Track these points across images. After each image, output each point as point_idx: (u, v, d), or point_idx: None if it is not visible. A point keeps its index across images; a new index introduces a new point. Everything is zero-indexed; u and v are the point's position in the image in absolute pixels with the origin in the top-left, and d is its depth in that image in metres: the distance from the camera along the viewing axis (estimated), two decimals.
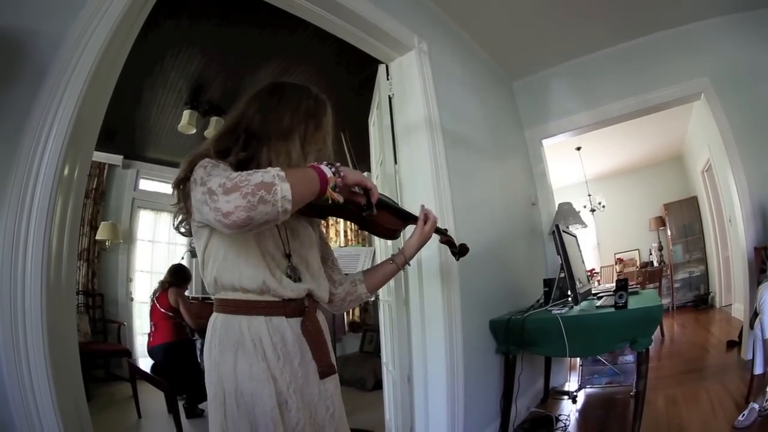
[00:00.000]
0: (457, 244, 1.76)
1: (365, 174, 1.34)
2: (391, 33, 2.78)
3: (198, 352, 4.52)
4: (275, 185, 0.95)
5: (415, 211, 1.60)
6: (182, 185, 1.18)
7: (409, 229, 1.59)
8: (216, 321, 1.20)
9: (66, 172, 1.47)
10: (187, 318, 4.14)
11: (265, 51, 4.06)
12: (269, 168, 0.99)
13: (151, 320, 4.24)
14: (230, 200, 0.92)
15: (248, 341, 1.14)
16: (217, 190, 0.94)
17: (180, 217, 1.27)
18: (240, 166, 1.16)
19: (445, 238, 1.74)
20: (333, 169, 1.12)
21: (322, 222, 1.72)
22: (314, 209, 1.29)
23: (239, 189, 0.93)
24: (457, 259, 1.80)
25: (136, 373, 4.11)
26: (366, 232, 1.58)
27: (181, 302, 4.14)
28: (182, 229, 1.29)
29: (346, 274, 1.55)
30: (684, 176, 8.95)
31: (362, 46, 2.84)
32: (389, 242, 2.77)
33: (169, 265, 4.52)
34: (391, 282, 2.70)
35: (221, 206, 0.93)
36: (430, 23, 3.32)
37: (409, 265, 1.62)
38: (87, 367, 3.53)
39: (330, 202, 1.12)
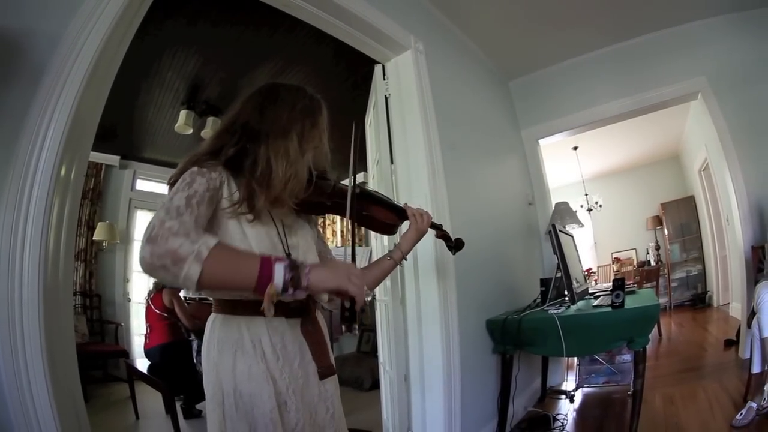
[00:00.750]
0: (453, 239, 1.78)
1: (361, 174, 1.33)
2: (387, 33, 2.79)
3: (195, 353, 4.51)
4: (184, 262, 0.91)
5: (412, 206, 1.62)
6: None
7: (406, 224, 1.62)
8: (215, 321, 1.20)
9: (63, 172, 1.46)
10: (183, 319, 4.12)
11: (261, 51, 4.05)
12: (204, 237, 0.96)
13: (146, 322, 4.22)
14: (144, 249, 0.92)
15: (247, 342, 1.14)
16: (147, 230, 0.95)
17: None
18: (235, 160, 1.17)
19: (441, 233, 1.76)
20: (290, 276, 0.98)
21: (319, 220, 1.72)
22: (311, 207, 1.30)
23: (154, 243, 0.92)
24: (454, 254, 1.82)
25: (134, 373, 4.10)
26: (363, 233, 1.57)
27: (176, 303, 4.12)
28: None
29: None
30: (681, 175, 8.96)
31: (358, 46, 2.84)
32: (385, 242, 2.78)
33: None
34: (388, 282, 2.71)
35: (140, 248, 0.94)
36: (426, 23, 3.32)
37: (406, 260, 1.63)
38: (85, 367, 3.54)
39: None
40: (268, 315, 0.98)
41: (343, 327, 1.22)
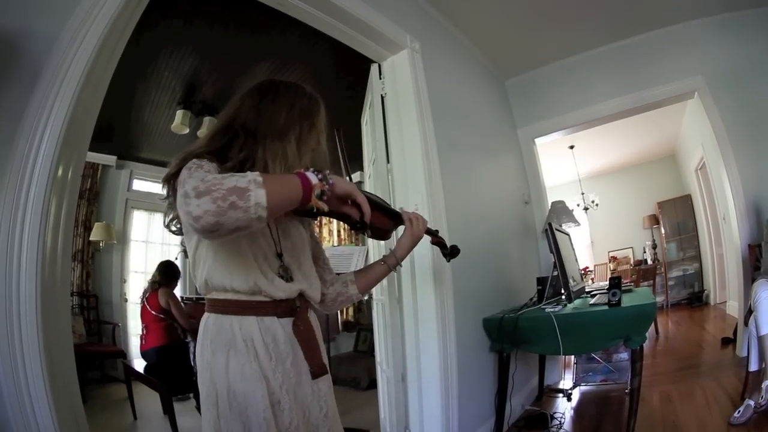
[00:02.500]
0: (449, 246, 1.76)
1: (357, 173, 1.34)
2: (383, 32, 2.78)
3: (192, 356, 4.48)
4: (249, 191, 0.91)
5: (408, 209, 1.60)
6: (172, 180, 1.16)
7: (401, 230, 1.59)
8: (207, 321, 1.19)
9: (60, 172, 1.46)
10: (179, 319, 4.09)
11: (256, 52, 4.06)
12: (248, 172, 0.96)
13: (142, 322, 4.19)
14: (200, 204, 0.88)
15: (240, 341, 1.13)
16: (190, 193, 0.90)
17: (171, 215, 1.25)
18: (239, 168, 1.16)
19: (436, 239, 1.74)
20: (320, 176, 1.08)
21: (314, 222, 1.72)
22: (305, 211, 1.29)
23: (210, 193, 0.89)
24: (448, 261, 1.79)
25: (131, 374, 4.09)
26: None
27: (172, 303, 4.09)
28: (173, 228, 1.27)
29: (338, 274, 1.55)
30: (677, 174, 8.98)
31: (354, 45, 2.83)
32: (381, 242, 2.78)
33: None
34: (384, 281, 2.70)
35: (192, 209, 0.89)
36: (422, 22, 3.32)
37: (401, 266, 1.62)
38: (82, 368, 3.53)
39: (315, 210, 1.10)
40: (325, 209, 1.12)
41: (357, 230, 1.23)
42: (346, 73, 4.24)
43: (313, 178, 1.07)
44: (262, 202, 0.92)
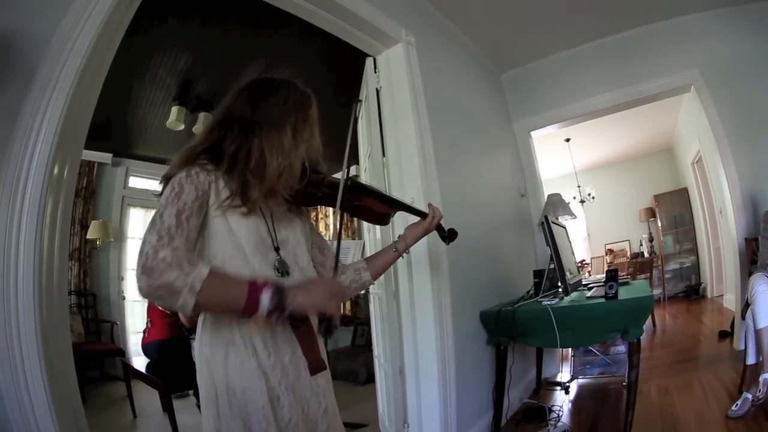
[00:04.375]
0: (446, 229, 1.79)
1: (353, 167, 1.33)
2: (378, 26, 2.78)
3: (193, 351, 4.46)
4: (179, 295, 0.97)
5: (405, 200, 1.65)
6: (169, 179, 1.17)
7: (399, 215, 1.64)
8: (206, 317, 1.19)
9: (56, 171, 1.46)
10: (182, 317, 4.07)
11: (248, 51, 4.08)
12: (198, 267, 1.00)
13: (147, 316, 4.18)
14: (141, 279, 0.97)
15: (238, 338, 1.13)
16: (142, 258, 0.98)
17: None
18: (231, 162, 1.17)
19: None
20: (275, 301, 1.03)
21: (311, 214, 1.73)
22: (302, 197, 1.30)
23: (150, 276, 0.96)
24: (447, 244, 1.82)
25: (130, 372, 4.08)
26: (355, 226, 1.58)
27: None
28: None
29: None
30: (674, 167, 9.00)
31: (349, 39, 2.83)
32: (378, 235, 2.78)
33: None
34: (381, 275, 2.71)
35: (136, 275, 0.98)
36: (417, 16, 3.31)
37: (408, 252, 1.65)
38: (81, 367, 3.52)
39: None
40: (254, 328, 1.09)
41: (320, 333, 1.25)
42: (334, 74, 4.28)
43: (264, 302, 1.03)
44: (187, 308, 0.98)
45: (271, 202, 1.22)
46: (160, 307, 4.09)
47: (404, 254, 1.64)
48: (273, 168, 1.17)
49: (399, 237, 1.62)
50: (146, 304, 4.31)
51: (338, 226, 1.37)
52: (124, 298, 6.33)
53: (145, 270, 0.96)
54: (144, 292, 0.97)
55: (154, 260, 0.97)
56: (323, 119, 1.37)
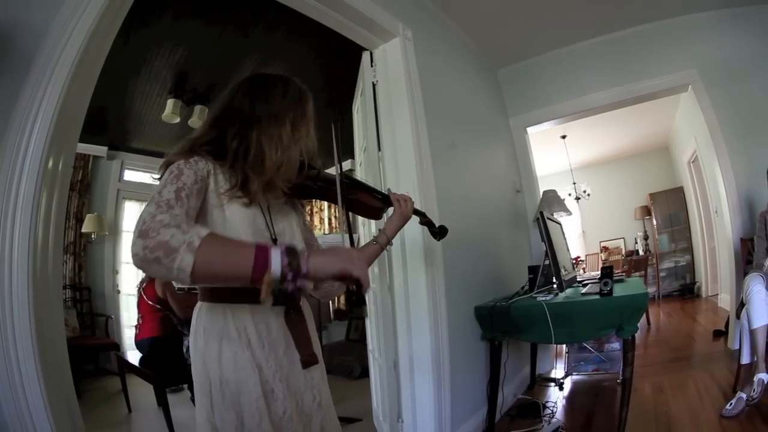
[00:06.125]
0: (437, 225, 1.81)
1: (348, 161, 1.33)
2: (375, 20, 2.77)
3: (185, 347, 4.45)
4: (176, 253, 0.87)
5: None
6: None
7: (391, 210, 1.64)
8: (201, 310, 1.20)
9: (50, 164, 1.45)
10: (176, 308, 4.05)
11: (241, 49, 4.11)
12: (196, 228, 0.93)
13: (138, 312, 4.16)
14: (135, 243, 0.89)
15: (233, 329, 1.13)
16: (138, 223, 0.92)
17: None
18: (236, 159, 1.17)
19: (425, 220, 1.79)
20: (288, 262, 0.91)
21: (306, 208, 1.74)
22: (299, 190, 1.30)
23: (145, 238, 0.89)
24: (438, 239, 1.84)
25: (125, 366, 4.07)
26: (350, 219, 1.58)
27: (169, 293, 4.05)
28: None
29: None
30: (670, 166, 9.02)
31: (346, 33, 2.82)
32: (373, 228, 2.78)
33: None
34: (376, 269, 2.72)
35: (131, 243, 0.90)
36: (414, 10, 3.30)
37: (391, 244, 1.66)
38: (77, 362, 3.50)
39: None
40: (266, 305, 0.98)
41: (353, 301, 1.23)
42: (328, 70, 4.32)
43: (276, 262, 0.91)
44: (185, 269, 0.87)
45: (270, 194, 1.22)
46: (150, 301, 4.07)
47: (387, 247, 1.64)
48: (272, 161, 1.17)
49: (380, 231, 1.62)
50: (137, 298, 4.27)
51: (340, 202, 1.35)
52: (119, 292, 6.32)
53: (141, 233, 0.89)
54: (139, 257, 0.88)
55: (152, 223, 0.91)
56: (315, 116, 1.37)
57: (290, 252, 0.92)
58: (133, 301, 4.90)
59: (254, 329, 1.15)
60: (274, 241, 1.24)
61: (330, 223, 7.68)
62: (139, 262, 0.89)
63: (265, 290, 0.89)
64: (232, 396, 1.10)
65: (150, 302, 4.05)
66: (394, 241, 1.67)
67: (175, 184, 1.04)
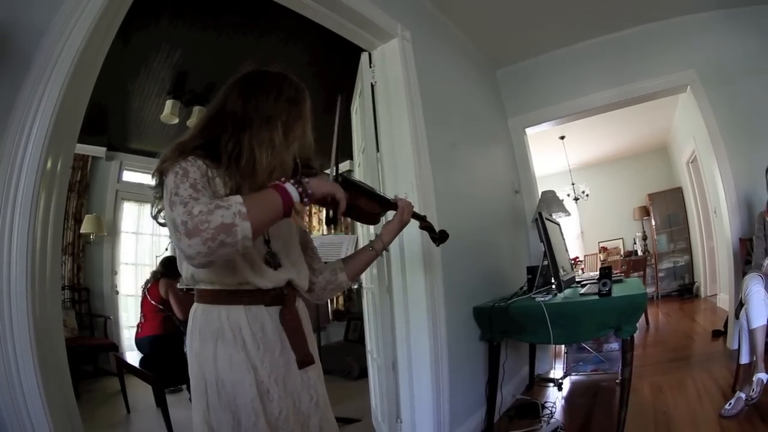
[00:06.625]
0: (437, 230, 1.77)
1: (346, 162, 1.34)
2: (373, 20, 2.77)
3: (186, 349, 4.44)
4: (235, 226, 0.93)
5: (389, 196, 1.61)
6: (162, 173, 1.15)
7: (390, 214, 1.60)
8: (196, 311, 1.21)
9: (49, 165, 1.45)
10: (177, 309, 4.06)
11: (238, 53, 4.09)
12: (230, 199, 0.97)
13: (141, 311, 4.20)
14: (192, 245, 0.91)
15: (228, 331, 1.14)
16: (180, 228, 0.93)
17: (159, 206, 1.23)
18: (230, 164, 1.16)
19: (425, 224, 1.75)
20: (299, 188, 1.09)
21: (303, 211, 1.72)
22: None
23: (200, 234, 0.91)
24: (438, 245, 1.81)
25: (123, 367, 4.07)
26: (348, 221, 1.58)
27: (171, 293, 4.07)
28: (161, 219, 1.24)
29: (326, 263, 1.55)
30: (669, 167, 9.03)
31: (344, 34, 2.82)
32: (372, 230, 2.78)
33: (156, 257, 4.43)
34: (374, 269, 2.71)
35: (184, 248, 0.92)
36: (413, 11, 3.30)
37: (388, 251, 1.64)
38: (75, 362, 3.50)
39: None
40: (300, 220, 1.05)
41: (328, 227, 1.25)
42: (324, 72, 4.32)
43: (293, 192, 1.08)
44: (248, 235, 0.95)
45: None
46: (153, 301, 4.09)
47: (383, 253, 1.62)
48: (263, 166, 1.15)
49: (376, 236, 1.59)
50: (139, 299, 4.29)
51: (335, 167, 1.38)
52: (117, 293, 6.31)
53: (190, 233, 0.91)
54: (203, 253, 0.92)
55: (194, 219, 0.92)
56: (314, 112, 1.36)
57: (297, 183, 1.09)
58: (132, 301, 4.93)
59: (249, 330, 1.16)
60: (267, 242, 1.24)
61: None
62: (204, 258, 0.93)
63: (293, 213, 1.11)
64: (228, 397, 1.11)
65: (153, 302, 4.08)
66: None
67: (187, 182, 1.05)
